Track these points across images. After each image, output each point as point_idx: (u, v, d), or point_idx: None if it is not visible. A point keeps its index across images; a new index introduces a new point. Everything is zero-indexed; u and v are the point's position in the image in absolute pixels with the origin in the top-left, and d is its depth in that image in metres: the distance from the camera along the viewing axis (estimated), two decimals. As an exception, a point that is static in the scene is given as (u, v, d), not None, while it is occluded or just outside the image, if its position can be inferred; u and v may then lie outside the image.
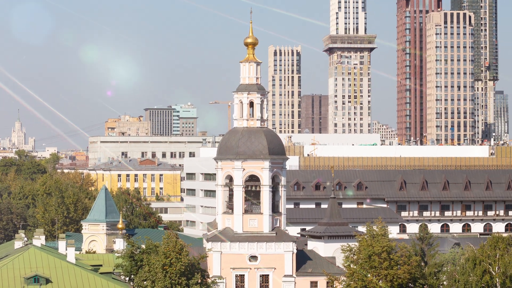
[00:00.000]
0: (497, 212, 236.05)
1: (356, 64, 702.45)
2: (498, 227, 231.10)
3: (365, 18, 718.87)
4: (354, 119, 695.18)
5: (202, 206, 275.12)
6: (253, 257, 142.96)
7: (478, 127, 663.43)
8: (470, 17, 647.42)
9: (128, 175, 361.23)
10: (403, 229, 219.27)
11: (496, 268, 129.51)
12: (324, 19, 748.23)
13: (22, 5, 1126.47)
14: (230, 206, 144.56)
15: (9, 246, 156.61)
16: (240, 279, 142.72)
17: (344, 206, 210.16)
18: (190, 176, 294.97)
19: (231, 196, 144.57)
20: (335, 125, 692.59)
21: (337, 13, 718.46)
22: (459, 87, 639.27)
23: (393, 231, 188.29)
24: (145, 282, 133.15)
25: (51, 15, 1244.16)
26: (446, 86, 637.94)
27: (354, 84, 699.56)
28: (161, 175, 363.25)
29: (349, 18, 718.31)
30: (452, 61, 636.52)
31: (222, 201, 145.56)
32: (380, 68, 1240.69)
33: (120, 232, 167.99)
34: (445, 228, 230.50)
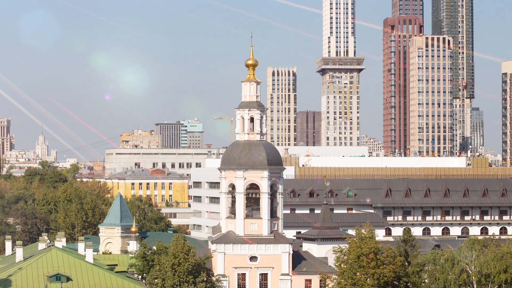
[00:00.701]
0: (473, 217, 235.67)
1: (346, 83, 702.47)
2: (474, 231, 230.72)
3: (354, 42, 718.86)
4: (345, 133, 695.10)
5: (207, 212, 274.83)
6: (253, 258, 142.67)
7: (456, 140, 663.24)
8: (449, 41, 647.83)
9: (140, 184, 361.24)
10: (388, 232, 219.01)
11: (473, 267, 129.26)
12: (317, 42, 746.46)
13: (33, 13, 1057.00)
14: (232, 212, 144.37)
15: (33, 247, 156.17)
16: (241, 277, 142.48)
17: (335, 211, 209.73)
18: (197, 184, 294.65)
19: (233, 202, 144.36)
20: (327, 138, 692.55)
21: (329, 37, 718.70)
22: (439, 104, 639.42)
23: (380, 234, 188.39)
24: (156, 280, 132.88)
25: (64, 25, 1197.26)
26: (427, 103, 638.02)
27: (345, 101, 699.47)
28: (170, 183, 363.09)
29: (340, 42, 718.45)
30: (433, 81, 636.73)
31: (226, 207, 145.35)
32: (368, 87, 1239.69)
33: (134, 235, 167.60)
34: (426, 231, 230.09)
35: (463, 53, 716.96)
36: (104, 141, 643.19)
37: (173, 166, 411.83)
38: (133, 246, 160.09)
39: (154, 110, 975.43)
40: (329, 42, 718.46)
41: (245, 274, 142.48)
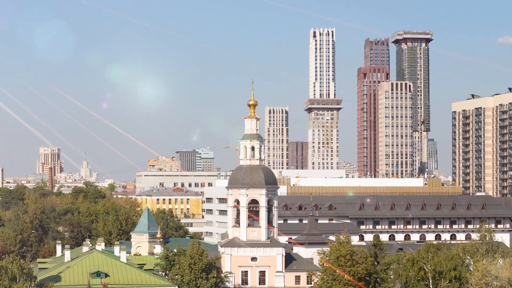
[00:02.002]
0: (429, 226, 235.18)
1: (328, 119, 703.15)
2: (430, 237, 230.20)
3: (334, 86, 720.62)
4: (326, 159, 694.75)
5: (217, 222, 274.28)
6: (254, 258, 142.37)
7: (415, 165, 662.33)
8: (409, 86, 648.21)
9: (164, 199, 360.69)
10: (361, 238, 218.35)
11: (429, 266, 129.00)
12: (305, 87, 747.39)
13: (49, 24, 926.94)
14: (237, 221, 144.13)
15: (78, 250, 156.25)
16: (244, 274, 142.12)
17: (319, 221, 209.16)
18: (209, 200, 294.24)
19: (238, 214, 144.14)
20: (313, 163, 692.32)
21: (314, 83, 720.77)
22: (401, 136, 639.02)
23: (354, 240, 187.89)
24: (176, 276, 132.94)
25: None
26: (392, 135, 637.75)
27: (326, 134, 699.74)
28: (187, 199, 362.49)
29: (323, 86, 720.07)
30: (397, 117, 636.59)
31: (232, 218, 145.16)
32: (345, 122, 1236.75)
33: (158, 240, 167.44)
34: (391, 237, 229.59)
35: (421, 95, 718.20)
36: (135, 165, 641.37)
37: (190, 185, 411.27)
38: (158, 249, 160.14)
39: (174, 139, 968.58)
40: (314, 86, 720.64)
41: (247, 271, 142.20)
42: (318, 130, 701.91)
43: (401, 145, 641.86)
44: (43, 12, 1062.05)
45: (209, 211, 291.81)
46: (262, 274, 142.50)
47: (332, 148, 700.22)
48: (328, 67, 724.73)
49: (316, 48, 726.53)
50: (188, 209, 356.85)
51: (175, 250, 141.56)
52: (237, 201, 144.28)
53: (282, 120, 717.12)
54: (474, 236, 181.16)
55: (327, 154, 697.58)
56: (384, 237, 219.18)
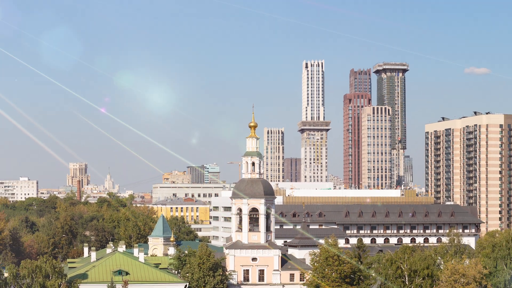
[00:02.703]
0: (405, 231, 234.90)
1: (318, 139, 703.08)
2: (406, 240, 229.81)
3: (324, 110, 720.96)
4: (317, 173, 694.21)
5: (222, 227, 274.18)
6: (254, 259, 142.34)
7: (393, 178, 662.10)
8: (388, 110, 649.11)
9: (176, 208, 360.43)
10: (347, 241, 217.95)
11: (405, 265, 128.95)
12: (298, 110, 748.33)
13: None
14: (240, 227, 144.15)
15: (103, 251, 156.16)
16: (246, 272, 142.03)
17: (310, 227, 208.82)
18: (216, 208, 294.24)
19: (240, 220, 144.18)
20: (305, 176, 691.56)
21: (306, 107, 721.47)
22: (381, 153, 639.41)
23: (341, 243, 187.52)
24: (187, 274, 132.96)
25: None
26: (374, 153, 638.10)
27: (317, 151, 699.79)
28: (197, 208, 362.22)
29: (313, 110, 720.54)
30: (378, 137, 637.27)
31: (235, 224, 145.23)
32: (333, 141, 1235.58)
33: (172, 243, 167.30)
34: (373, 241, 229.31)
35: (398, 118, 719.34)
36: (151, 178, 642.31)
37: (199, 195, 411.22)
38: (171, 251, 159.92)
39: (186, 154, 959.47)
40: (306, 110, 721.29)
41: (248, 270, 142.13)
42: (310, 148, 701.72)
43: (381, 161, 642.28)
44: (50, 18, 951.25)
45: (216, 218, 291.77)
46: (261, 272, 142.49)
47: (321, 163, 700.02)
48: (318, 94, 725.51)
49: (308, 77, 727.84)
50: (197, 216, 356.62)
51: (186, 252, 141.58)
52: (240, 209, 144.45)
53: (279, 140, 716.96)
54: (444, 239, 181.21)
55: (317, 169, 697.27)
56: (367, 241, 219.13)
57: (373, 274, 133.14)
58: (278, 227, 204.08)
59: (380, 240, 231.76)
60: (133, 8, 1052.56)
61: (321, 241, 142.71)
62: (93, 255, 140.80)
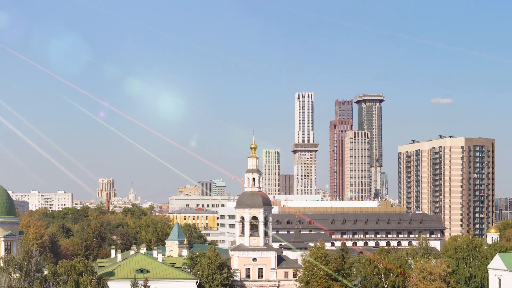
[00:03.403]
0: (382, 236, 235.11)
1: (308, 158, 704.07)
2: (382, 243, 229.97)
3: (313, 134, 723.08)
4: (307, 187, 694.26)
5: (228, 232, 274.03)
6: (255, 259, 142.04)
7: (371, 191, 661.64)
8: (367, 134, 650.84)
9: (189, 216, 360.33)
10: (332, 245, 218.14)
11: (381, 264, 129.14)
12: (291, 134, 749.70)
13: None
14: (242, 232, 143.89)
15: (127, 253, 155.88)
16: (247, 270, 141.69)
17: (302, 232, 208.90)
18: (222, 216, 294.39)
19: (243, 227, 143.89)
20: (297, 190, 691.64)
21: (298, 131, 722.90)
22: (361, 170, 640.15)
23: (327, 246, 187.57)
24: (198, 272, 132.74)
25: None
26: (355, 170, 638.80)
27: (307, 169, 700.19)
28: (206, 216, 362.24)
29: (304, 134, 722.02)
30: (358, 157, 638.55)
31: (239, 230, 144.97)
32: (321, 161, 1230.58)
33: (185, 246, 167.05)
34: (354, 244, 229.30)
35: (375, 140, 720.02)
36: (169, 191, 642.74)
37: (208, 206, 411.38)
38: (185, 252, 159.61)
39: (197, 171, 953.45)
40: (298, 134, 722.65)
41: (250, 268, 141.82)
42: (301, 166, 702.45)
43: (361, 177, 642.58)
44: (57, 25, 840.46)
45: (222, 225, 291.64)
46: (261, 270, 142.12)
47: (311, 179, 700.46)
48: (308, 120, 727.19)
49: (299, 106, 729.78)
50: (206, 223, 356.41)
51: (197, 253, 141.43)
52: (242, 218, 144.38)
53: (275, 159, 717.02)
54: (414, 243, 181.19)
55: (307, 183, 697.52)
56: (349, 244, 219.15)
57: (354, 272, 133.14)
58: (275, 232, 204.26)
59: (360, 244, 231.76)
60: (141, 22, 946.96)
61: (311, 244, 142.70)
62: (119, 256, 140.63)
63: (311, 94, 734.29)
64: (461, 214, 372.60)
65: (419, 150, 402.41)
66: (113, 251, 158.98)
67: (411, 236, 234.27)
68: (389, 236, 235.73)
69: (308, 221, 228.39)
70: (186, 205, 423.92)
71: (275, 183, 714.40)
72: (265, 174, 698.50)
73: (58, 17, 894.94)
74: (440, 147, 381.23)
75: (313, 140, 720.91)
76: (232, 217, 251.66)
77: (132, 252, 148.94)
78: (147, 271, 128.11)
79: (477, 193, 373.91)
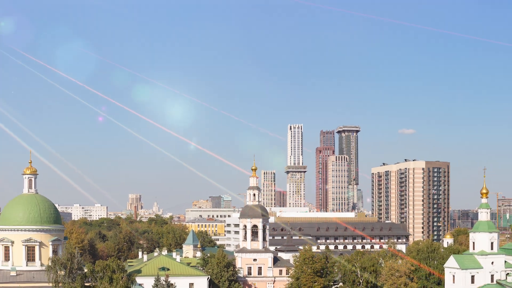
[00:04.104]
0: (358, 240, 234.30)
1: (298, 177, 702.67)
2: (358, 247, 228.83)
3: (302, 158, 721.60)
4: (297, 201, 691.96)
5: (233, 238, 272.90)
6: (255, 259, 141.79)
7: (350, 204, 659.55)
8: (346, 158, 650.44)
9: (202, 225, 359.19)
10: (318, 248, 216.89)
11: (358, 264, 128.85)
12: (284, 158, 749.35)
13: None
14: (245, 238, 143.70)
15: (151, 254, 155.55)
16: (249, 269, 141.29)
17: (293, 238, 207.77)
18: (229, 225, 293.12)
19: (245, 233, 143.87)
20: (289, 203, 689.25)
21: (290, 156, 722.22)
22: (342, 187, 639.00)
23: (314, 249, 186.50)
24: (209, 270, 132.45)
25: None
26: (337, 187, 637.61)
27: (297, 186, 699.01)
28: (216, 224, 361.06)
29: (295, 158, 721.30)
30: (339, 176, 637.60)
31: (242, 236, 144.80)
32: (309, 180, 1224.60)
33: (199, 249, 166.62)
34: (336, 247, 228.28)
35: (353, 163, 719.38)
36: (185, 204, 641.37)
37: (217, 216, 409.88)
38: (198, 254, 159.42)
39: (209, 187, 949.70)
40: (290, 158, 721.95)
41: (251, 267, 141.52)
42: (293, 184, 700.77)
43: (341, 193, 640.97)
44: (65, 32, 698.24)
45: (229, 232, 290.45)
46: (260, 269, 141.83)
47: (300, 194, 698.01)
48: (299, 147, 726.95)
49: (291, 135, 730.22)
50: (216, 230, 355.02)
51: (208, 255, 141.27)
52: (245, 226, 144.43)
53: (271, 178, 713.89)
54: (385, 246, 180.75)
55: (297, 198, 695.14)
56: (332, 247, 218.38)
57: (336, 270, 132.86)
58: (271, 238, 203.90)
59: (340, 247, 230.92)
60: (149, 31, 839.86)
61: (301, 247, 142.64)
62: (145, 257, 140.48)
63: (301, 126, 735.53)
64: (422, 223, 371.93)
65: (388, 171, 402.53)
66: (140, 253, 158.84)
67: (382, 240, 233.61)
68: (364, 241, 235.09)
69: (298, 228, 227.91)
70: (200, 215, 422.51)
71: (271, 197, 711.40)
72: (263, 191, 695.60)
73: (65, 22, 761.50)
74: (405, 168, 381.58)
75: (302, 163, 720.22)
76: (236, 225, 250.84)
77: (155, 254, 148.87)
78: (168, 269, 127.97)
79: (435, 206, 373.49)
